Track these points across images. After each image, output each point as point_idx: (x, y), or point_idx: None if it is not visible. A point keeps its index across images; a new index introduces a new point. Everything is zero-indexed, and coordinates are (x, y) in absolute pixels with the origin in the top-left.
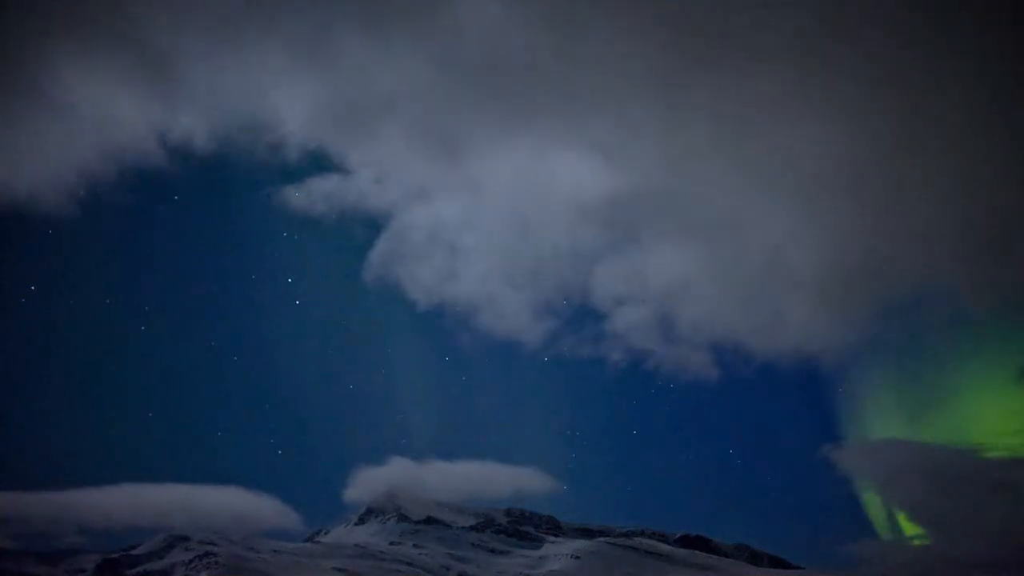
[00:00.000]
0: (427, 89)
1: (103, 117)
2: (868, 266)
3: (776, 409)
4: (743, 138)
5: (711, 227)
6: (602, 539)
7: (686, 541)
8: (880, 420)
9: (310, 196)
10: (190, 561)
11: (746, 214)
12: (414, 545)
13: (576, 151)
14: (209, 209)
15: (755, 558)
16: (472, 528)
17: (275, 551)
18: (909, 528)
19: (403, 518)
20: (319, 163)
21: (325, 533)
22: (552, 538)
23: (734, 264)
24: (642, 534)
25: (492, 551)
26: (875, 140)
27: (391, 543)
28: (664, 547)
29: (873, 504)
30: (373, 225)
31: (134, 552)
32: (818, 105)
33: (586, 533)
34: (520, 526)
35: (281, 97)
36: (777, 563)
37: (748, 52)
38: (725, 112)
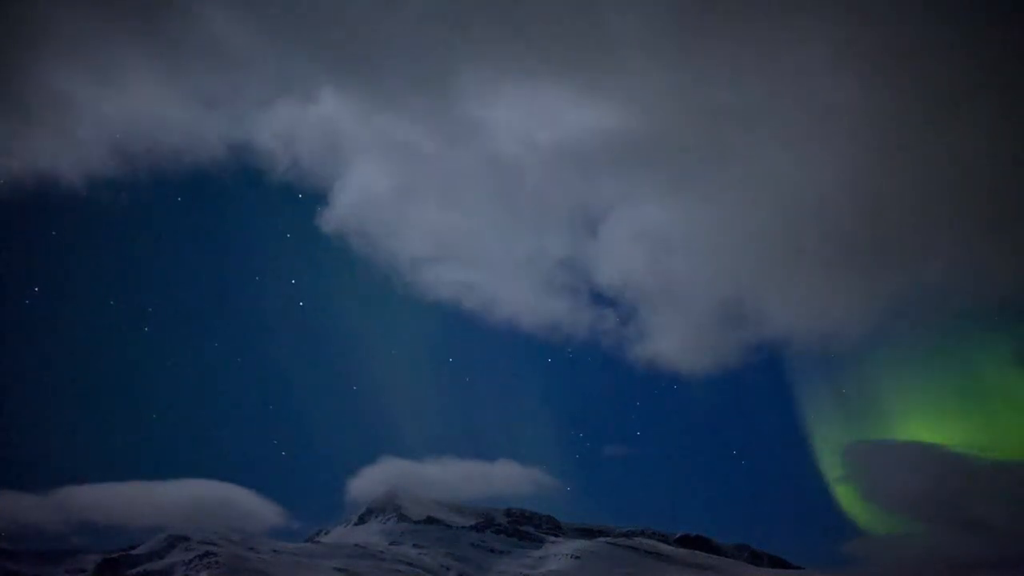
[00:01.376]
0: (424, 25)
1: (106, 116)
2: (893, 246)
3: (781, 408)
4: (765, 97)
5: (725, 189)
6: (602, 539)
7: (686, 541)
8: (883, 420)
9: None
10: (190, 561)
11: (765, 177)
12: (414, 545)
13: (585, 100)
14: (212, 210)
15: (755, 558)
16: (472, 528)
17: (275, 551)
18: (907, 526)
19: (403, 518)
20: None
21: (325, 533)
22: (552, 538)
23: (748, 234)
24: (642, 534)
25: (492, 551)
26: (908, 112)
27: (391, 543)
28: (664, 547)
29: (872, 504)
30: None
31: (134, 552)
32: (846, 70)
33: (586, 533)
34: (520, 526)
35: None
36: (777, 563)
37: (773, 5)
38: (746, 69)
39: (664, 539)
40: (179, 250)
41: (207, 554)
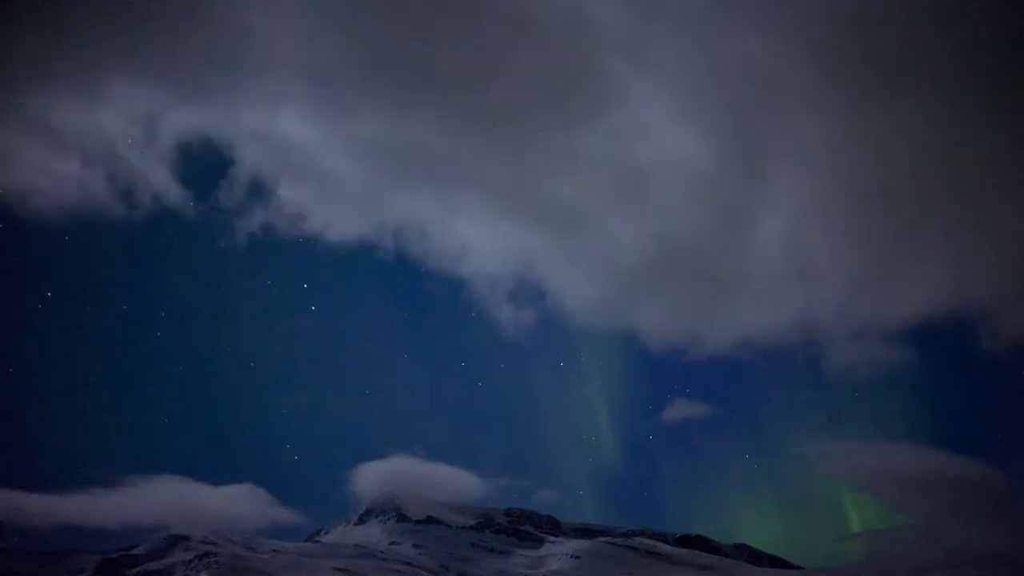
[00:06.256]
0: None
1: (124, 121)
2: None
3: (786, 408)
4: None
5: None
6: (602, 539)
7: (686, 541)
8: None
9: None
10: (190, 561)
11: None
12: (414, 545)
13: None
14: (222, 215)
15: (755, 558)
16: (472, 528)
17: (275, 551)
18: (903, 523)
19: (403, 518)
20: None
21: (325, 533)
22: (552, 538)
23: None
24: (642, 534)
25: (492, 551)
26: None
27: (391, 543)
28: (664, 547)
29: (869, 503)
30: None
31: (134, 552)
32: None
33: (586, 533)
34: (520, 526)
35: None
36: (777, 563)
37: None
38: None
39: (664, 539)
40: (190, 256)
41: (207, 554)
